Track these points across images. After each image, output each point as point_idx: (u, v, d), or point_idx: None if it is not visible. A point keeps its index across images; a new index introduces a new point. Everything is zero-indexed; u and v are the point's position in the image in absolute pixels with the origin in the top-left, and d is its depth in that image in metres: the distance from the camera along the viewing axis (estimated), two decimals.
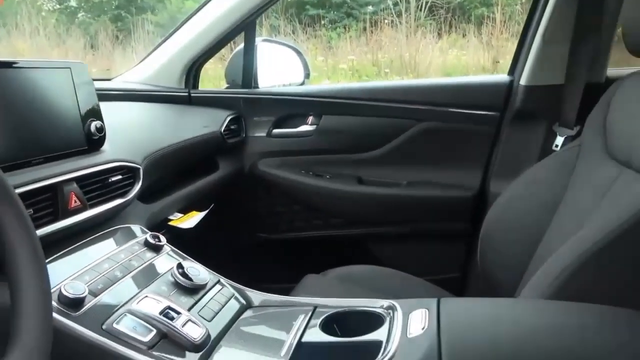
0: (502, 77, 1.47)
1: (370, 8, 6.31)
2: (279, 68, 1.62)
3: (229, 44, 1.52)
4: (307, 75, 1.70)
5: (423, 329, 0.68)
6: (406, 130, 1.47)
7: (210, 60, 1.53)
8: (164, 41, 1.49)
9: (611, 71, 1.38)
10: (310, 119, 1.51)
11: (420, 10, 5.88)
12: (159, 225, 1.08)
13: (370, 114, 1.48)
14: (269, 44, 1.61)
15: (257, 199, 1.54)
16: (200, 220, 1.15)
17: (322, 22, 6.22)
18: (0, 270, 0.53)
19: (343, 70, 5.35)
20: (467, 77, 3.09)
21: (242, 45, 1.52)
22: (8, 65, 0.77)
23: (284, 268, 1.37)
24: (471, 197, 1.45)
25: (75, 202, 0.79)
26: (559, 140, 1.34)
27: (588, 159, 1.03)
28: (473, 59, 5.40)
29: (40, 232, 0.73)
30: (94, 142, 0.89)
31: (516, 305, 0.79)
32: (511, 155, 1.42)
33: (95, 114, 0.91)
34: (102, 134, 0.91)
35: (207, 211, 1.19)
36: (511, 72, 1.45)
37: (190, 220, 1.12)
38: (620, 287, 0.78)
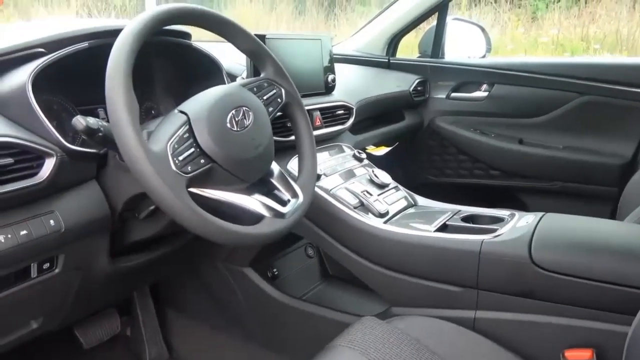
0: None
1: None
2: (465, 42, 2.05)
3: None
4: (489, 50, 2.10)
5: (527, 223, 1.10)
6: (568, 102, 1.79)
7: None
8: (374, 19, 2.03)
9: None
10: (484, 86, 1.92)
11: None
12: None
13: (537, 85, 1.83)
14: (458, 22, 2.04)
15: (431, 148, 2.01)
16: (387, 152, 1.68)
17: None
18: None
19: (544, 44, 5.33)
20: (634, 57, 3.12)
21: (434, 23, 1.99)
22: (288, 38, 1.36)
23: None
24: (620, 165, 1.72)
25: (318, 122, 1.37)
26: None
27: None
28: None
29: None
30: (329, 88, 1.47)
31: (606, 221, 1.15)
32: None
33: (331, 69, 1.47)
34: (334, 83, 1.47)
35: (393, 147, 1.71)
36: None
37: (380, 151, 1.66)
38: None
